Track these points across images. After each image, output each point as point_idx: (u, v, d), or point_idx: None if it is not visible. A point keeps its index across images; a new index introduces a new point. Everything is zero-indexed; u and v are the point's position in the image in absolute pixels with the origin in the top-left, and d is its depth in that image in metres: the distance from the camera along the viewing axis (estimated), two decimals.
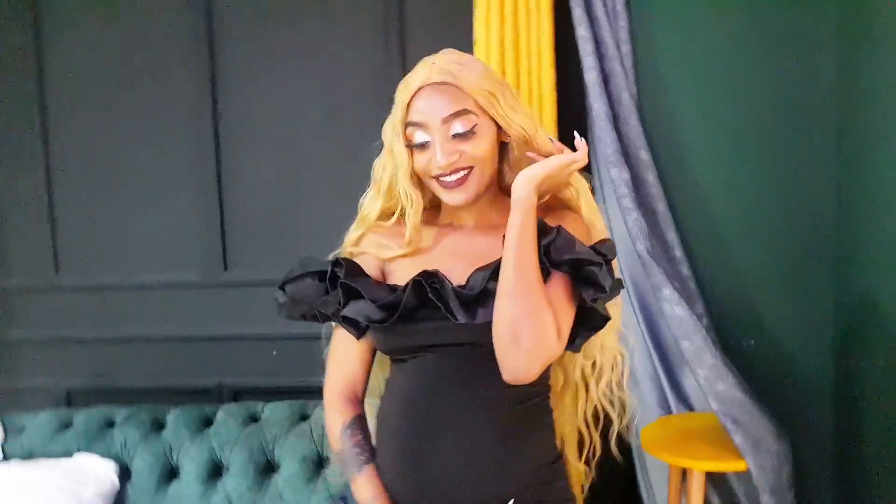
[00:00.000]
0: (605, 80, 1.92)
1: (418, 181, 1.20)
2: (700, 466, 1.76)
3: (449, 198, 1.17)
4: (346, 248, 1.29)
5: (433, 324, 1.14)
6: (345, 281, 1.17)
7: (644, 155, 1.91)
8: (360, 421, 1.26)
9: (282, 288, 1.26)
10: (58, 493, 1.82)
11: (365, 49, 2.38)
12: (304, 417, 2.04)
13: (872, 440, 1.80)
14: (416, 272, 1.14)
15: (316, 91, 2.43)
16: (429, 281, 1.12)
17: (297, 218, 2.49)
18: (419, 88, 1.13)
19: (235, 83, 2.46)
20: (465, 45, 2.09)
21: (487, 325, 1.08)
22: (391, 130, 1.18)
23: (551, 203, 1.23)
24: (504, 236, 1.10)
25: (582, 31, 1.91)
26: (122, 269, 2.55)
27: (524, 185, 1.09)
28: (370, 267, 1.23)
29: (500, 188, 1.25)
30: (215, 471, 2.00)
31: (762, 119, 2.01)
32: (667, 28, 2.05)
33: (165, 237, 2.54)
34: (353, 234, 1.29)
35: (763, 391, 1.92)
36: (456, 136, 1.12)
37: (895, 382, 1.67)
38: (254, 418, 2.06)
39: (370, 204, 1.27)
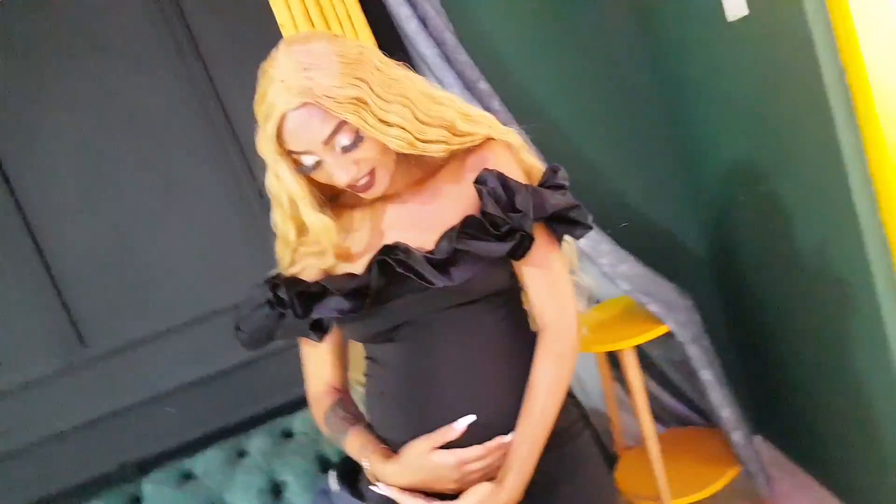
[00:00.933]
0: (424, 24, 1.94)
1: (321, 193, 1.12)
2: (628, 343, 1.89)
3: (365, 196, 1.12)
4: (285, 271, 1.19)
5: (407, 298, 1.09)
6: (299, 291, 1.12)
7: (483, 85, 1.97)
8: (341, 402, 1.22)
9: (237, 328, 1.20)
10: None
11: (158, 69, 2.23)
12: (241, 454, 1.91)
13: (750, 278, 2.03)
14: (370, 255, 1.10)
15: (121, 129, 2.25)
16: (391, 255, 1.07)
17: (144, 262, 2.30)
18: (282, 117, 1.01)
19: (20, 141, 2.19)
20: (268, 30, 2.02)
21: (466, 283, 1.06)
22: (272, 156, 1.05)
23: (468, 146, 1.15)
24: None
25: None
26: None
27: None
28: (315, 277, 1.16)
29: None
30: None
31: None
32: None
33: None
34: (282, 255, 1.19)
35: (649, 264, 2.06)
36: (344, 149, 1.03)
37: (758, 226, 1.90)
38: (188, 476, 1.90)
39: (283, 225, 1.15)
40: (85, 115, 2.21)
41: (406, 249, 1.07)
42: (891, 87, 1.31)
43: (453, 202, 1.12)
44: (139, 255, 2.28)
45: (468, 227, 1.07)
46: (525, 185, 1.09)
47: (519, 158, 1.17)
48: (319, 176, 1.07)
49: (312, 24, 1.95)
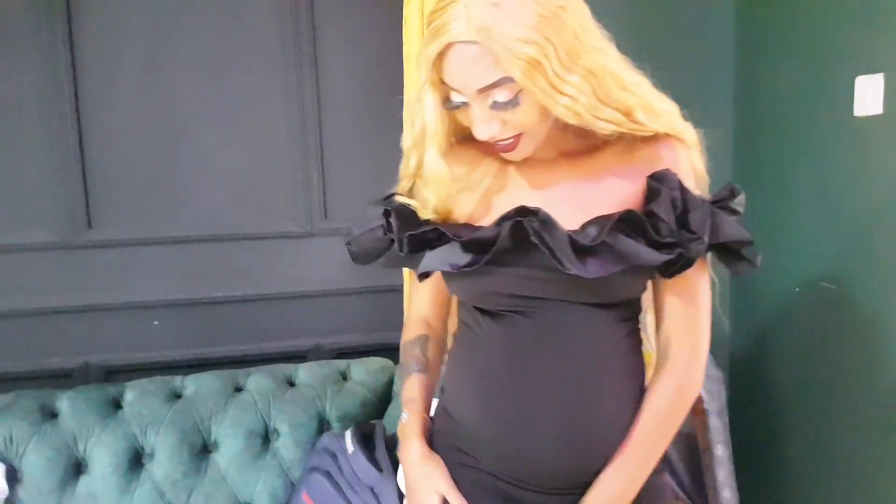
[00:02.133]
0: None
1: (453, 133, 1.04)
2: None
3: (504, 156, 1.03)
4: (403, 194, 1.10)
5: (530, 272, 0.99)
6: (412, 233, 1.03)
7: None
8: (426, 339, 1.17)
9: (349, 244, 1.13)
10: None
11: None
12: (238, 389, 1.78)
13: (778, 374, 2.03)
14: (499, 212, 1.00)
15: (194, 28, 2.10)
16: (529, 220, 0.96)
17: (172, 168, 2.14)
18: (448, 45, 0.90)
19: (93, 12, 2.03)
20: None
21: (600, 281, 0.95)
22: (424, 77, 0.96)
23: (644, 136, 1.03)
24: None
25: None
26: None
27: None
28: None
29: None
30: (136, 459, 1.68)
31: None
32: None
33: (4, 194, 2.04)
34: (403, 176, 1.11)
35: None
36: (497, 104, 0.93)
37: (809, 326, 1.90)
38: (176, 395, 1.76)
39: (408, 151, 1.08)
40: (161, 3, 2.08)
41: (548, 219, 0.96)
42: None
43: (610, 189, 1.02)
44: (176, 157, 2.13)
45: (624, 221, 0.97)
46: (704, 202, 1.00)
47: (691, 160, 1.06)
48: (461, 117, 0.98)
49: None
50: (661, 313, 1.06)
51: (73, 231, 2.08)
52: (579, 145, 1.05)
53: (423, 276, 1.05)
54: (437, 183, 1.03)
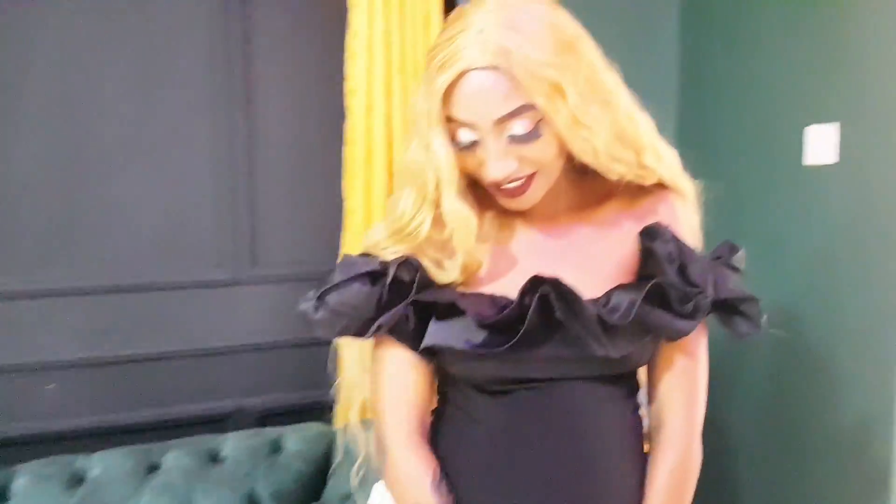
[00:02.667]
0: None
1: (467, 184, 0.91)
2: None
3: (508, 204, 0.92)
4: (379, 251, 0.94)
5: (547, 350, 0.88)
6: (428, 299, 0.88)
7: None
8: (442, 472, 0.93)
9: (320, 298, 0.91)
10: None
11: None
12: (153, 468, 1.56)
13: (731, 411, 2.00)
14: (510, 280, 0.89)
15: (117, 41, 1.90)
16: (554, 295, 0.85)
17: (80, 208, 1.90)
18: (461, 74, 0.81)
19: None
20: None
21: (625, 357, 0.88)
22: (426, 119, 0.86)
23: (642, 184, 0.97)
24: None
25: None
26: None
27: None
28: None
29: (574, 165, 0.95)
30: None
31: None
32: None
33: None
34: (387, 247, 0.93)
35: None
36: (514, 139, 0.84)
37: (767, 372, 1.92)
38: (78, 479, 1.51)
39: (414, 213, 0.91)
40: (79, 15, 1.85)
41: (572, 294, 0.84)
42: None
43: (613, 245, 0.94)
44: (85, 196, 1.90)
45: (653, 295, 0.87)
46: (702, 258, 0.94)
47: (688, 216, 0.99)
48: (466, 160, 0.87)
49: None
50: (658, 382, 0.97)
51: None
52: (583, 199, 0.97)
53: (429, 356, 0.91)
54: (463, 230, 0.88)
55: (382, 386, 0.94)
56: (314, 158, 2.03)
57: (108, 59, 1.88)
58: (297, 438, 1.70)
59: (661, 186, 0.97)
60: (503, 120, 0.82)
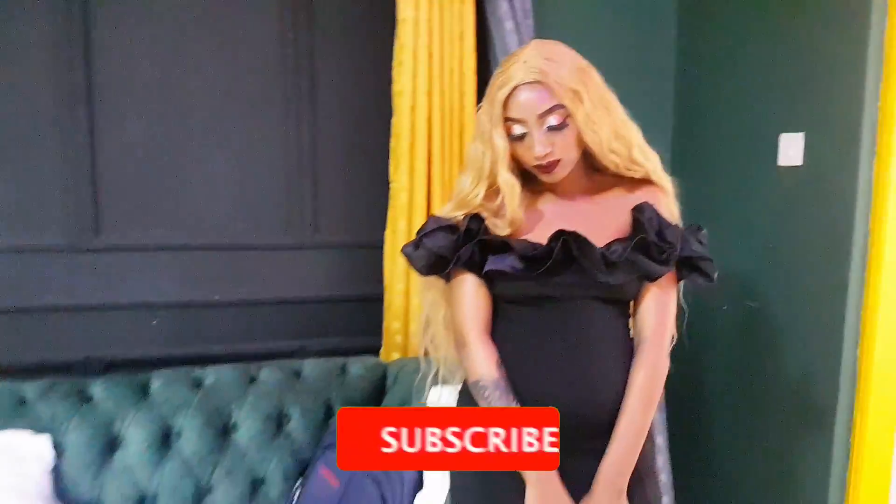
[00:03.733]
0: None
1: (515, 166, 1.33)
2: None
3: (543, 178, 1.32)
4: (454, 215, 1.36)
5: (566, 277, 1.28)
6: (489, 238, 1.30)
7: None
8: (503, 378, 1.32)
9: (418, 242, 1.34)
10: (6, 475, 1.54)
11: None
12: (252, 380, 2.00)
13: (710, 380, 2.20)
14: (543, 233, 1.29)
15: (209, 36, 2.31)
16: (573, 239, 1.26)
17: (182, 176, 2.35)
18: (514, 88, 1.24)
19: (111, 17, 2.21)
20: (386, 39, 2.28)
21: (619, 285, 1.28)
22: (489, 122, 1.28)
23: (632, 176, 1.37)
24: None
25: (503, 10, 2.19)
26: None
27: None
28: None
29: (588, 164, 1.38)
30: (165, 438, 1.87)
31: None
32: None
33: (21, 196, 2.18)
34: (455, 213, 1.36)
35: None
36: (550, 128, 1.24)
37: (735, 336, 2.25)
38: (198, 383, 1.96)
39: (472, 188, 1.34)
40: (172, 21, 2.29)
41: (585, 240, 1.27)
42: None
43: (611, 219, 1.35)
44: (180, 171, 2.33)
45: (639, 245, 1.29)
46: (675, 225, 1.35)
47: (668, 205, 1.39)
48: (519, 149, 1.28)
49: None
50: (641, 306, 1.36)
51: (82, 236, 2.24)
52: (593, 188, 1.39)
53: (488, 273, 1.29)
54: (511, 192, 1.30)
55: (461, 301, 1.34)
56: (367, 147, 2.45)
57: (198, 60, 2.31)
58: (358, 366, 2.17)
59: (649, 182, 1.38)
60: (543, 115, 1.23)
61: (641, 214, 1.34)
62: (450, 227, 1.34)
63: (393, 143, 2.30)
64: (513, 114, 1.26)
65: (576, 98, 1.24)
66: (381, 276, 2.34)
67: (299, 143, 2.44)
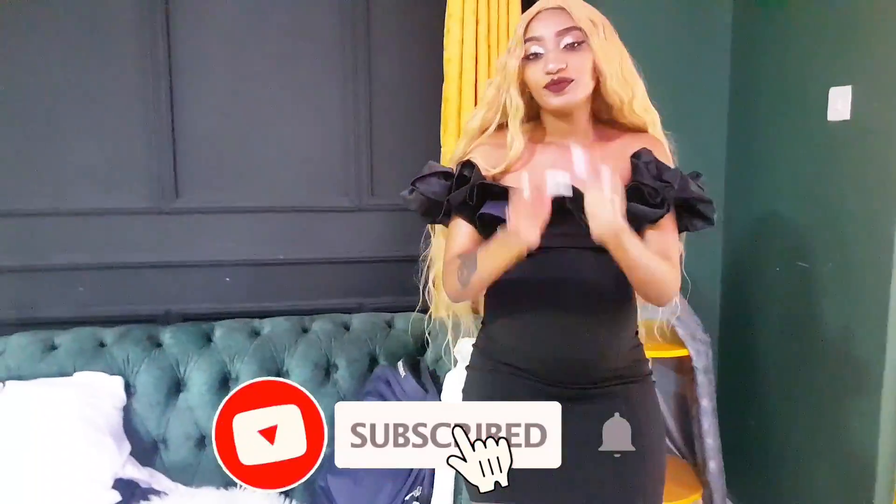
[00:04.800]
0: None
1: (523, 93, 1.38)
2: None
3: (553, 101, 1.33)
4: (456, 159, 1.43)
5: (563, 227, 1.28)
6: (485, 182, 1.35)
7: None
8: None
9: (412, 186, 1.42)
10: (83, 407, 1.78)
11: None
12: (305, 330, 2.17)
13: (760, 340, 2.43)
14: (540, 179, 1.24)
15: (275, 14, 2.47)
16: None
17: (251, 145, 2.54)
18: (538, 12, 1.34)
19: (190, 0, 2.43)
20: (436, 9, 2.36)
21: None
22: (507, 52, 1.37)
23: (630, 128, 1.42)
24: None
25: None
26: (56, 194, 2.41)
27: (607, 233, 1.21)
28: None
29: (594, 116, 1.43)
30: (224, 381, 2.07)
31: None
32: None
33: (109, 162, 2.44)
34: (459, 147, 1.44)
35: None
36: (566, 47, 1.30)
37: (785, 297, 2.25)
38: (255, 332, 2.15)
39: (473, 115, 1.43)
40: (243, 2, 2.47)
41: (577, 190, 1.24)
42: None
43: (615, 162, 1.33)
44: (250, 140, 2.53)
45: (631, 192, 1.31)
46: (674, 168, 1.37)
47: (666, 158, 1.42)
48: (534, 69, 1.33)
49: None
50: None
51: (163, 199, 2.49)
52: (599, 137, 1.43)
53: (482, 217, 1.33)
54: (515, 112, 1.37)
55: (452, 242, 1.40)
56: (419, 113, 2.57)
57: (266, 36, 2.50)
58: (403, 321, 2.30)
59: (647, 135, 1.42)
60: (561, 33, 1.30)
61: (639, 160, 1.37)
62: (444, 174, 1.41)
63: (443, 108, 2.38)
64: (533, 33, 1.33)
65: (593, 27, 1.32)
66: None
67: (357, 112, 2.59)
